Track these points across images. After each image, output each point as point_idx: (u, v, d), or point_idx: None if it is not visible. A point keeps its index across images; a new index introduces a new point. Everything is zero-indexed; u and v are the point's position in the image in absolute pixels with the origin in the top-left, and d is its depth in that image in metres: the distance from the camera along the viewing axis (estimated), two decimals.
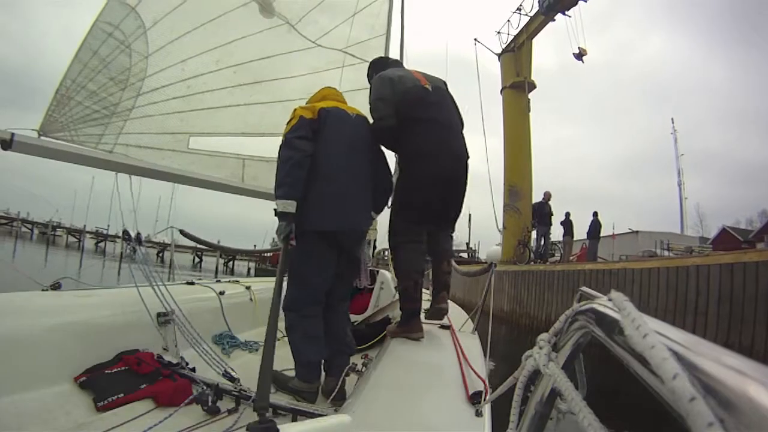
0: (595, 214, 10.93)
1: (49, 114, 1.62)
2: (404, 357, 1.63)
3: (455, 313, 2.80)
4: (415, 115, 1.91)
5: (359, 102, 2.22)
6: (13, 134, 1.45)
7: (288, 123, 1.72)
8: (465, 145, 2.06)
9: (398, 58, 3.92)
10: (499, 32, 14.39)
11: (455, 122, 2.06)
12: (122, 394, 1.39)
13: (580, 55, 12.40)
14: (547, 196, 11.15)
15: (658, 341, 0.29)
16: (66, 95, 1.64)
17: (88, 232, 37.32)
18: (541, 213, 11.05)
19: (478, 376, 1.38)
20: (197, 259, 31.36)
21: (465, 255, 22.24)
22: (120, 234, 1.82)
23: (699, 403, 0.23)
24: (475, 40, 14.49)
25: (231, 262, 30.26)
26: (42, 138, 1.59)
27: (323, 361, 1.77)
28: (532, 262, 11.09)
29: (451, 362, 1.55)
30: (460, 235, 25.53)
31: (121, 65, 1.81)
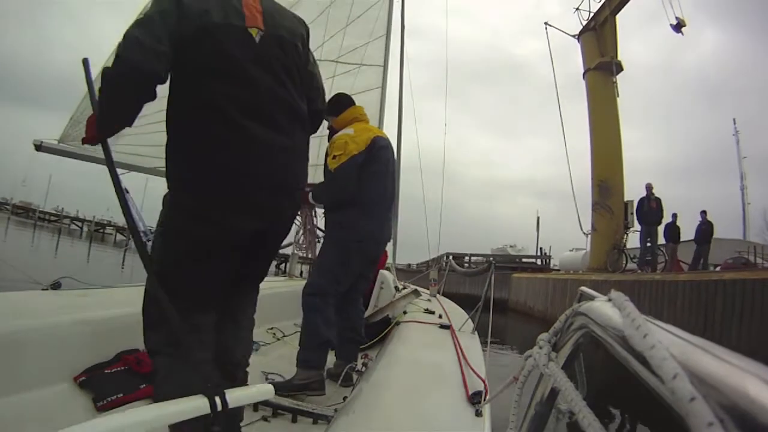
0: (704, 213, 9.02)
1: (66, 131, 2.60)
2: (404, 357, 1.63)
3: (455, 313, 2.80)
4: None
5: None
6: (42, 141, 2.46)
7: (336, 156, 1.81)
8: None
9: (398, 58, 3.94)
10: (578, 8, 12.81)
11: None
12: (122, 394, 1.39)
13: (678, 26, 10.68)
14: (650, 188, 9.00)
15: (658, 341, 0.29)
16: (76, 119, 2.57)
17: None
18: (646, 210, 8.90)
19: (478, 376, 1.38)
20: None
21: (538, 262, 18.19)
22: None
23: (699, 403, 0.23)
24: (546, 24, 13.26)
25: (283, 264, 29.61)
26: (60, 144, 2.55)
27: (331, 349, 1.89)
28: (639, 270, 9.05)
29: (451, 362, 1.54)
30: (524, 241, 23.20)
31: None
